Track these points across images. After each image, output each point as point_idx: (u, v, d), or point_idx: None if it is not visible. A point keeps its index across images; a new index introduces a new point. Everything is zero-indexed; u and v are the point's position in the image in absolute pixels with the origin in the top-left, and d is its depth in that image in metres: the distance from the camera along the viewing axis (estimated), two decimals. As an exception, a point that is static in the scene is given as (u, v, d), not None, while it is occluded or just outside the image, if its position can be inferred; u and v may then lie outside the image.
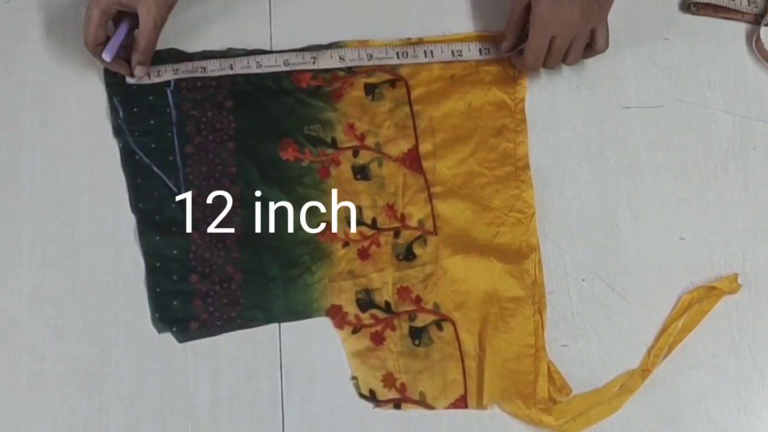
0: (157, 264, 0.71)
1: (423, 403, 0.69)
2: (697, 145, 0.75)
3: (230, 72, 0.74)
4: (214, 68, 0.74)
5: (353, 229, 0.72)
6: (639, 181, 0.74)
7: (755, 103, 0.76)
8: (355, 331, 0.70)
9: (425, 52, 0.75)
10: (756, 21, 0.77)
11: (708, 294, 0.71)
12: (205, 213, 0.71)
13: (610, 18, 0.74)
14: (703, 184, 0.74)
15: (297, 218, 0.72)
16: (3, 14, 0.77)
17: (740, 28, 0.78)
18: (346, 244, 0.72)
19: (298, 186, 0.72)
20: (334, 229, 0.72)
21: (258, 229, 0.71)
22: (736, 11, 0.77)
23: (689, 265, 0.72)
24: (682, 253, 0.72)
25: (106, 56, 0.70)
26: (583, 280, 0.72)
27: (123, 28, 0.71)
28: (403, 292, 0.71)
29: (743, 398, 0.69)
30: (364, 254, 0.72)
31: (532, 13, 0.69)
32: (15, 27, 0.76)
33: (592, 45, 0.73)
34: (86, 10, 0.69)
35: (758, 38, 0.76)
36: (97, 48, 0.70)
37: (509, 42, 0.73)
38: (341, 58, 0.75)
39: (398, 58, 0.75)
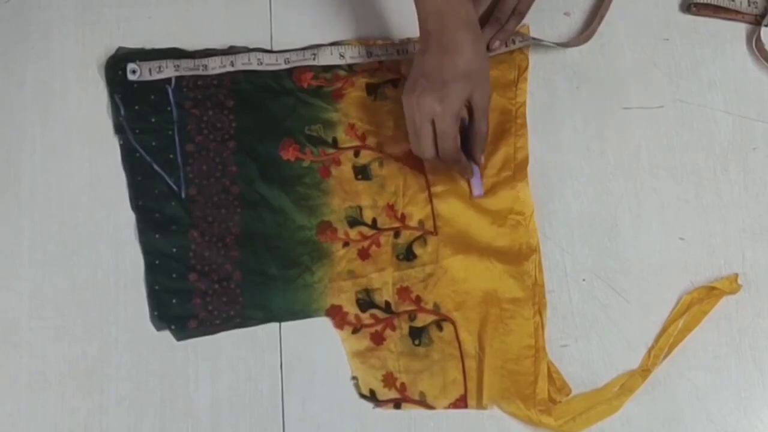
0: (156, 262, 0.71)
1: (423, 403, 0.69)
2: (697, 145, 0.75)
3: (231, 69, 0.74)
4: (216, 65, 0.74)
5: (353, 229, 0.72)
6: (639, 181, 0.74)
7: (755, 103, 0.76)
8: (355, 331, 0.70)
9: (425, 51, 0.75)
10: (756, 21, 0.77)
11: (708, 294, 0.71)
12: (204, 211, 0.71)
13: (610, 18, 0.74)
14: (703, 184, 0.74)
15: (297, 218, 0.72)
16: (3, 14, 0.77)
17: (740, 28, 0.78)
18: (346, 244, 0.72)
19: (299, 185, 0.72)
20: (335, 229, 0.72)
21: (258, 228, 0.71)
22: (736, 11, 0.77)
23: (689, 265, 0.72)
24: (682, 253, 0.72)
25: (479, 192, 0.72)
26: (583, 280, 0.72)
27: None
28: (403, 292, 0.71)
29: (743, 398, 0.69)
30: (364, 254, 0.72)
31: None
32: (15, 27, 0.76)
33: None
34: (421, 123, 0.65)
35: (758, 38, 0.76)
36: (457, 154, 0.68)
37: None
38: (341, 55, 0.75)
39: (399, 54, 0.75)
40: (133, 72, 0.73)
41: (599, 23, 0.76)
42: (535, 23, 0.76)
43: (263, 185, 0.72)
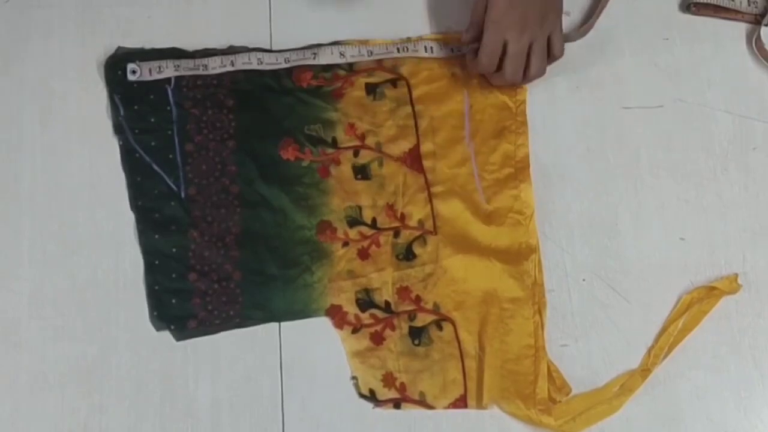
0: (156, 262, 0.70)
1: (423, 402, 0.69)
2: (697, 145, 0.75)
3: (231, 68, 0.74)
4: (215, 65, 0.74)
5: (353, 228, 0.72)
6: (639, 181, 0.74)
7: (755, 103, 0.76)
8: (354, 330, 0.70)
9: (425, 47, 0.75)
10: (756, 21, 0.77)
11: (708, 294, 0.71)
12: (204, 211, 0.71)
13: (610, 18, 0.74)
14: (703, 184, 0.74)
15: (296, 218, 0.72)
16: (3, 14, 0.76)
17: (740, 28, 0.78)
18: (345, 243, 0.72)
19: (298, 185, 0.72)
20: (334, 228, 0.72)
21: (257, 228, 0.71)
22: (736, 11, 0.77)
23: (689, 265, 0.72)
24: (682, 253, 0.72)
25: None
26: (583, 280, 0.72)
27: None
28: (402, 291, 0.71)
29: (743, 398, 0.69)
30: (363, 254, 0.72)
31: (487, 13, 0.69)
32: (15, 27, 0.76)
33: (549, 52, 0.72)
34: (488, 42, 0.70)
35: (758, 38, 0.76)
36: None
37: (469, 34, 0.73)
38: (341, 54, 0.75)
39: (398, 52, 0.75)
40: (133, 72, 0.73)
41: (597, 17, 0.76)
42: (535, 23, 0.76)
43: (263, 185, 0.72)
